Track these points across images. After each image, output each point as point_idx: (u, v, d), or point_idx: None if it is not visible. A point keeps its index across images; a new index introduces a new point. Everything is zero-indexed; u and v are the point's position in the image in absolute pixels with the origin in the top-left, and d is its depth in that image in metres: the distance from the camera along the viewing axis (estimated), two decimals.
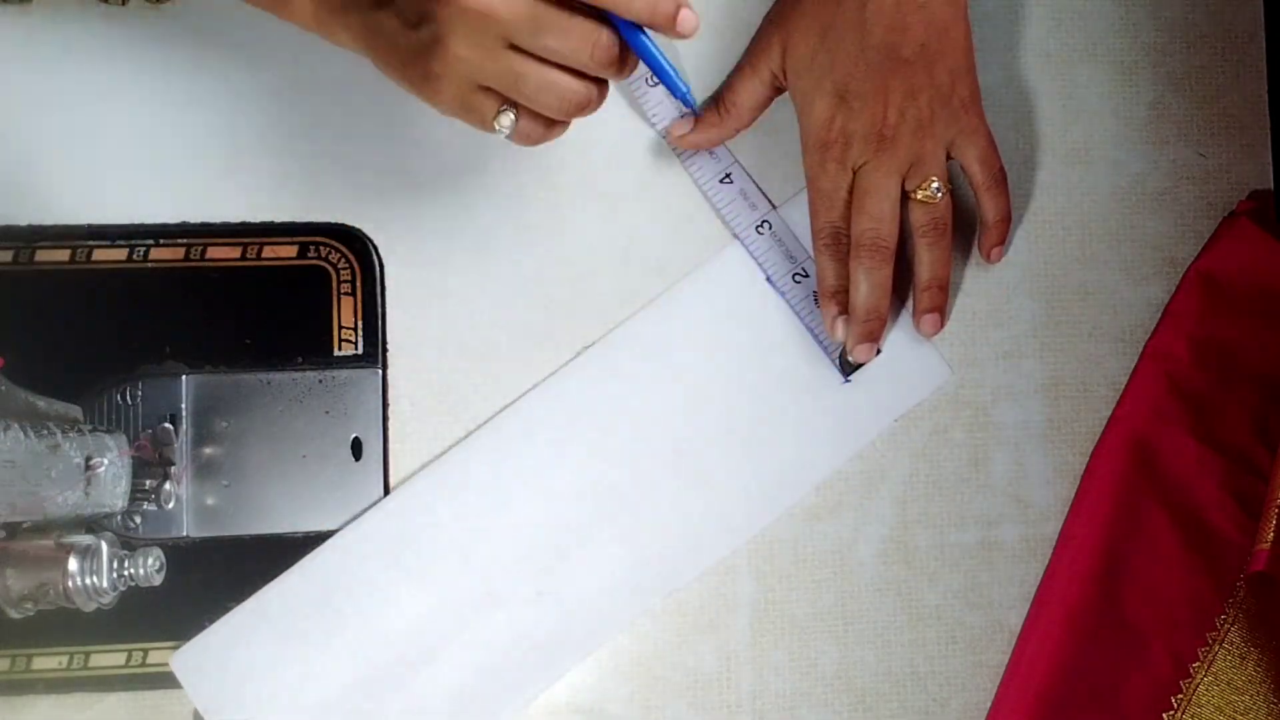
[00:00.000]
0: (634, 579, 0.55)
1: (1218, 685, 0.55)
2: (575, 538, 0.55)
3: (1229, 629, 0.56)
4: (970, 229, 0.58)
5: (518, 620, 0.54)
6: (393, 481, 0.55)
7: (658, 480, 0.56)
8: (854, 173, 0.54)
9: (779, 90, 0.56)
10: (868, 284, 0.54)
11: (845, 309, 0.55)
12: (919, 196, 0.54)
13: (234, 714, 0.51)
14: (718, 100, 0.56)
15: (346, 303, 0.55)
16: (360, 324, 0.55)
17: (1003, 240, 0.57)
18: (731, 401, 0.56)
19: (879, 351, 0.57)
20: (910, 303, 0.57)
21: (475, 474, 0.54)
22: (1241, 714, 0.55)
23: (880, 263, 0.54)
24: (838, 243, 0.54)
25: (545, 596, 0.54)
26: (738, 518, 0.56)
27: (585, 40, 0.42)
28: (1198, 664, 0.55)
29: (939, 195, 0.54)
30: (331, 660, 0.53)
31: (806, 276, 0.57)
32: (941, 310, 0.56)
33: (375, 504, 0.54)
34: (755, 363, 0.57)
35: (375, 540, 0.53)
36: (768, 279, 0.57)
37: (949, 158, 0.55)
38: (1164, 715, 0.55)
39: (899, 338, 0.58)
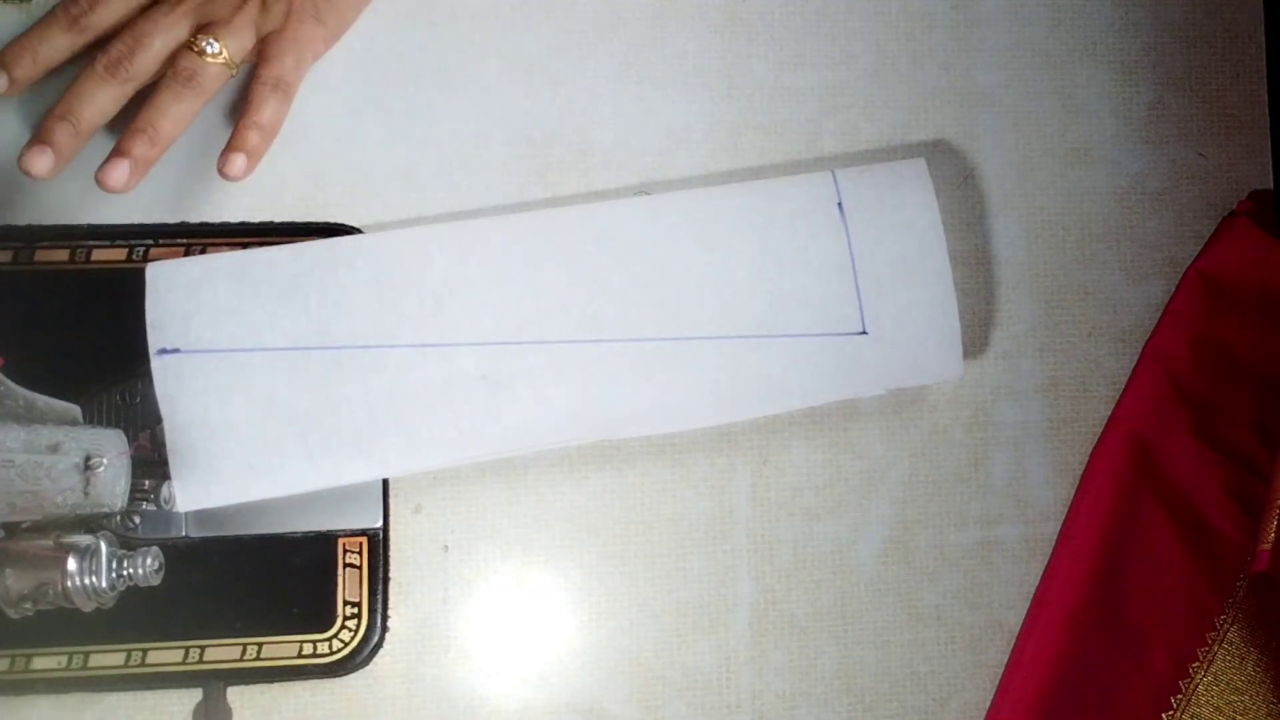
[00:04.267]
0: (574, 407, 0.54)
1: (1217, 685, 0.55)
2: (532, 347, 0.54)
3: (1229, 629, 0.56)
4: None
5: (457, 386, 0.53)
6: (393, 482, 0.55)
7: (640, 330, 0.54)
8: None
9: None
10: (100, 103, 0.50)
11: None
12: (195, 48, 0.50)
13: (178, 338, 0.52)
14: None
15: None
16: None
17: (243, 149, 0.51)
18: (747, 297, 0.55)
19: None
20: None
21: (452, 249, 0.54)
22: (1241, 714, 0.55)
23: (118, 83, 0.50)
24: (72, 27, 0.51)
25: (489, 381, 0.53)
26: (701, 401, 0.55)
27: None
28: (1197, 664, 0.55)
29: (219, 55, 0.50)
30: (282, 330, 0.52)
31: None
32: (153, 145, 0.50)
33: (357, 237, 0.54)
34: (787, 277, 0.55)
35: (354, 260, 0.53)
36: (839, 205, 0.56)
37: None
38: (1163, 715, 0.55)
39: (930, 317, 0.55)
